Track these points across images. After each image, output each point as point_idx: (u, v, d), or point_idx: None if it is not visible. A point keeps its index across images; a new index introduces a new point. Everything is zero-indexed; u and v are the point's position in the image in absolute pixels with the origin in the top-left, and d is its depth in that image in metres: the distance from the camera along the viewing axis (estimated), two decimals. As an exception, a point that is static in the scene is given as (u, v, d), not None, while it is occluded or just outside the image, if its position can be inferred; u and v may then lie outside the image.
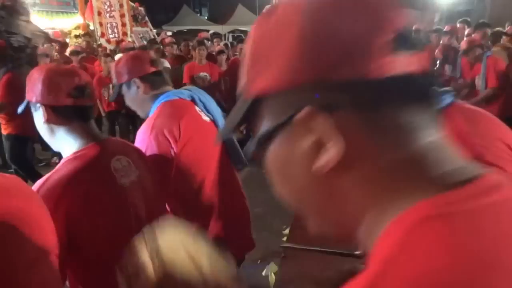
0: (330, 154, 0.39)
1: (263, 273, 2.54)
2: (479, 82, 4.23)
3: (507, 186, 0.39)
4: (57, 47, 6.96)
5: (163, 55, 5.55)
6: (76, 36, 9.90)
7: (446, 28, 5.77)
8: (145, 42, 7.87)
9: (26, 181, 4.13)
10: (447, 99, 1.14)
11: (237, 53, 6.15)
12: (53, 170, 1.14)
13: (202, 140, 1.63)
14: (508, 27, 5.91)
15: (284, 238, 3.59)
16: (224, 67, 5.48)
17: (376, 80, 0.38)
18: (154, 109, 1.64)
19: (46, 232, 0.89)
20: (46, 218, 0.92)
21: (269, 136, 0.44)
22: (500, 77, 3.96)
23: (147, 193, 1.31)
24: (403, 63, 0.39)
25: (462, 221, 0.36)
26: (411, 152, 0.40)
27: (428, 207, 0.37)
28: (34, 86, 1.17)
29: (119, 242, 1.13)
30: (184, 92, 1.71)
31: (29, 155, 4.65)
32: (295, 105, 0.40)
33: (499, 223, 0.36)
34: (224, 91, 5.30)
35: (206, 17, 23.09)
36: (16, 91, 3.09)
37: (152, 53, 5.17)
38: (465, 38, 5.97)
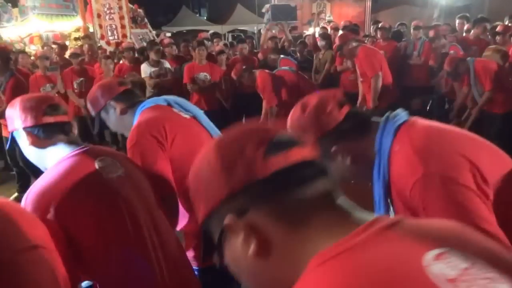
0: (253, 243, 0.55)
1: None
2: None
3: (380, 221, 0.53)
4: (56, 50, 6.97)
5: (163, 56, 5.54)
6: (76, 39, 9.92)
7: (431, 34, 5.69)
8: (144, 44, 7.87)
9: (30, 180, 4.14)
10: (399, 120, 1.15)
11: (237, 53, 6.14)
12: (40, 177, 1.19)
13: (188, 134, 1.71)
14: (507, 22, 5.86)
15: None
16: (224, 67, 5.47)
17: (263, 179, 0.55)
18: (135, 121, 1.70)
19: (39, 228, 0.96)
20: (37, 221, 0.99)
21: (219, 244, 0.59)
22: (494, 78, 3.92)
23: (138, 185, 1.33)
24: (279, 161, 0.55)
25: (348, 257, 0.49)
26: (312, 222, 0.55)
27: (322, 255, 0.51)
28: (12, 117, 1.31)
29: (112, 228, 1.17)
30: (159, 99, 1.80)
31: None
32: (223, 216, 0.56)
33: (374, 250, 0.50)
34: (224, 90, 5.30)
35: (205, 18, 23.07)
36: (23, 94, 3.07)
37: (152, 54, 5.21)
38: (464, 34, 5.97)
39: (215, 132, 1.82)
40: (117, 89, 1.77)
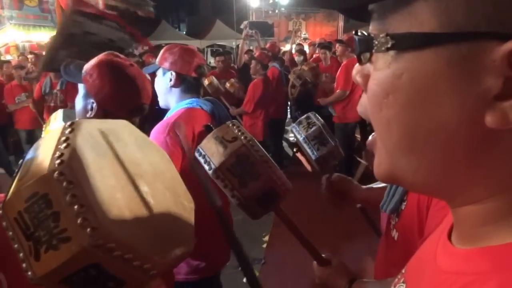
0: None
1: (244, 280, 2.57)
2: None
3: None
4: (32, 59, 6.90)
5: (143, 67, 5.56)
6: (53, 50, 9.79)
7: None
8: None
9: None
10: None
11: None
12: None
13: None
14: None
15: (264, 245, 3.65)
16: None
17: None
18: (174, 110, 1.67)
19: None
20: None
21: (426, 43, 0.33)
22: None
23: None
24: None
25: None
26: None
27: None
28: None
29: None
30: (207, 104, 1.73)
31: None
32: (495, 22, 0.30)
33: None
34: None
35: (184, 32, 23.15)
36: None
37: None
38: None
39: None
40: (190, 72, 1.70)
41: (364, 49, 0.37)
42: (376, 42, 0.35)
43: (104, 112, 1.26)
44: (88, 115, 1.27)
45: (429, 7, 0.32)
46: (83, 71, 1.29)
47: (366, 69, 0.39)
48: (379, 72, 0.36)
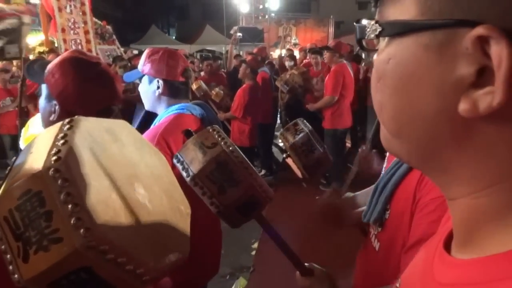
0: (499, 96, 0.29)
1: (232, 288, 2.53)
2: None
3: None
4: (18, 63, 6.79)
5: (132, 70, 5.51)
6: (40, 53, 9.68)
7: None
8: (110, 60, 7.81)
9: None
10: None
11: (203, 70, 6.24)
12: None
13: None
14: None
15: (253, 252, 3.61)
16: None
17: None
18: (164, 115, 1.62)
19: None
20: None
21: (406, 30, 0.34)
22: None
23: None
24: None
25: None
26: None
27: None
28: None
29: None
30: (197, 109, 1.69)
31: None
32: (467, 10, 0.30)
33: None
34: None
35: (174, 37, 23.12)
36: None
37: (117, 69, 5.16)
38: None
39: None
40: (177, 77, 1.63)
41: (361, 35, 0.39)
42: (368, 29, 0.37)
43: (68, 114, 1.17)
44: (51, 118, 1.17)
45: None
46: (46, 70, 1.19)
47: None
48: (377, 57, 0.38)
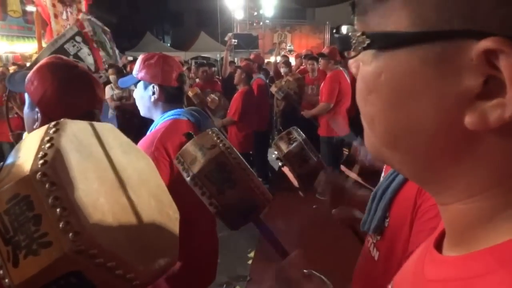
0: (510, 109, 0.27)
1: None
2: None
3: None
4: (15, 70, 6.77)
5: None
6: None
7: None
8: (106, 66, 7.81)
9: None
10: None
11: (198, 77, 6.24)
12: None
13: None
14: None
15: (250, 261, 3.58)
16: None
17: None
18: (161, 121, 1.62)
19: None
20: None
21: (400, 43, 0.31)
22: None
23: None
24: None
25: None
26: None
27: None
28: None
29: None
30: (193, 115, 1.70)
31: None
32: (469, 17, 0.28)
33: None
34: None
35: (169, 44, 23.15)
36: None
37: (115, 77, 5.15)
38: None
39: None
40: (172, 82, 1.64)
41: (344, 47, 0.36)
42: (354, 41, 0.34)
43: (50, 121, 1.16)
44: (35, 126, 1.15)
45: (401, 4, 0.31)
46: (26, 79, 1.18)
47: (360, 59, 0.38)
48: (364, 68, 0.36)
